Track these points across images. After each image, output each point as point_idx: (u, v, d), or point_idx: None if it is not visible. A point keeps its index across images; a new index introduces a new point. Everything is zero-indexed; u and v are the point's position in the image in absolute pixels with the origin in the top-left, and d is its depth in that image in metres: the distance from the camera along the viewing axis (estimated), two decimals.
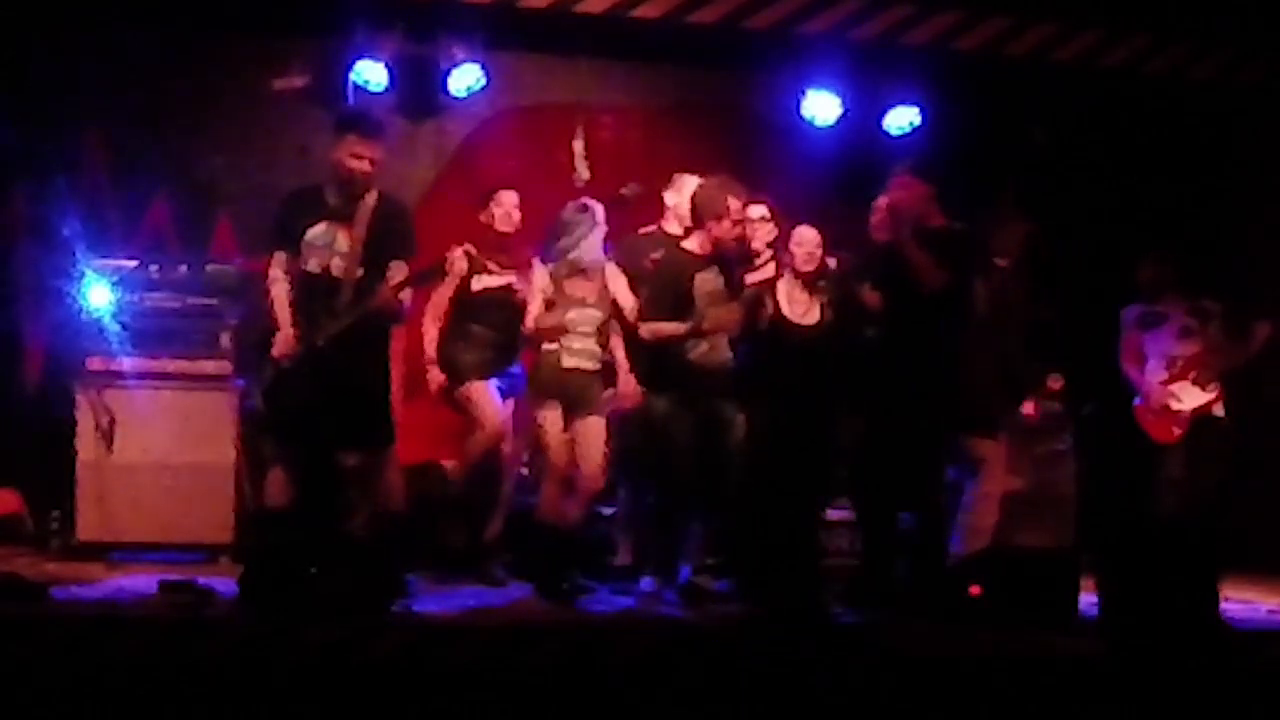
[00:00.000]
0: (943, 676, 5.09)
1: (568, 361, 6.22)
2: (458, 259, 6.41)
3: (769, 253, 6.57)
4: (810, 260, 6.31)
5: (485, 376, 6.47)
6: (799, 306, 6.36)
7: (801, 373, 6.28)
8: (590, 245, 6.30)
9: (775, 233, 6.54)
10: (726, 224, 6.19)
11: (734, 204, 6.20)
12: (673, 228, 6.61)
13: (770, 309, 6.31)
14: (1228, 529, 6.76)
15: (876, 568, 6.20)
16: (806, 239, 6.33)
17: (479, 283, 6.53)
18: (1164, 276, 7.19)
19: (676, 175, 6.75)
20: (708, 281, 6.21)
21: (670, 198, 6.72)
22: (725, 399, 6.24)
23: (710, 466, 6.17)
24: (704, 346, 6.20)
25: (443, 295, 6.53)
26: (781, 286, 6.39)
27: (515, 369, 6.64)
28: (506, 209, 6.60)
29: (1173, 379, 7.07)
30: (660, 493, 6.28)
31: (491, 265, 6.55)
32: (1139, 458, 7.10)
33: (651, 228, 6.76)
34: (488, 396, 6.43)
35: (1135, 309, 7.27)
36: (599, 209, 6.39)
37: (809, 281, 6.35)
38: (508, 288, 6.52)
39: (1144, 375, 7.17)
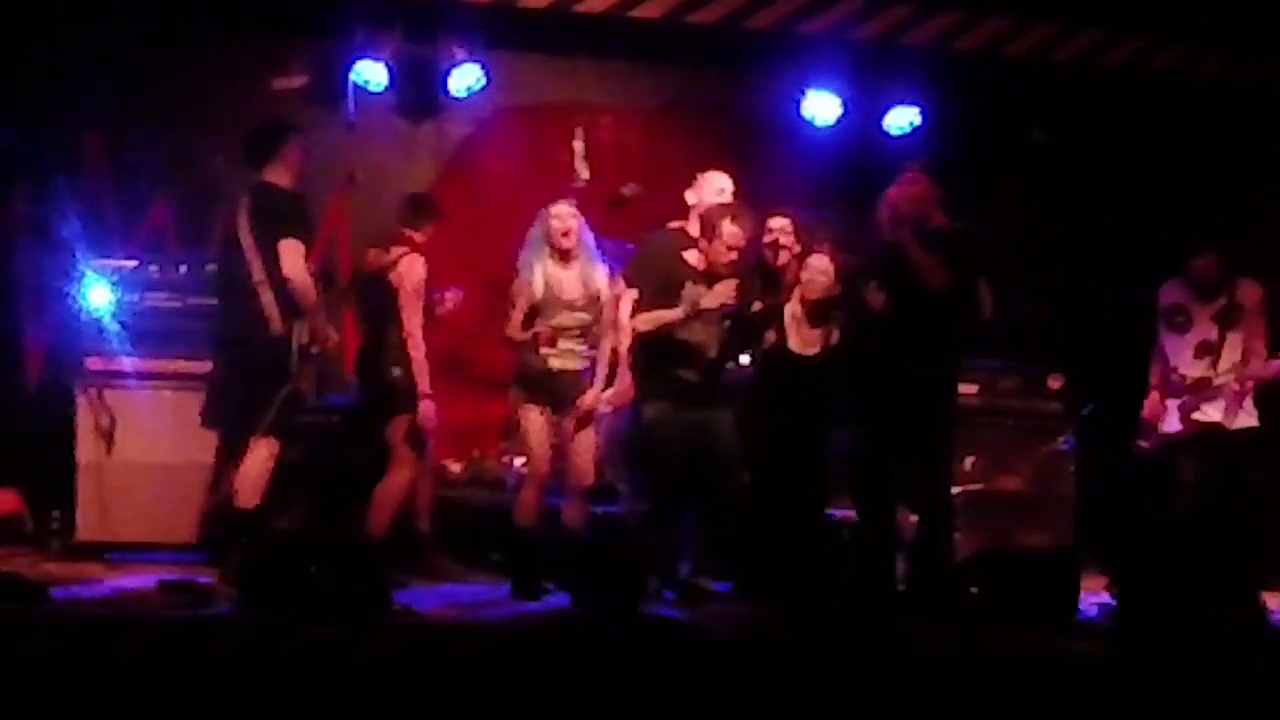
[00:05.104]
0: (943, 676, 5.08)
1: (555, 364, 6.22)
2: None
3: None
4: (818, 289, 6.37)
5: None
6: (803, 337, 6.40)
7: (796, 402, 6.38)
8: (539, 239, 6.23)
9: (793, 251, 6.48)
10: (719, 245, 6.15)
11: (729, 228, 6.14)
12: (694, 228, 6.38)
13: (774, 336, 6.38)
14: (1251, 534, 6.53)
15: (876, 568, 6.20)
16: (818, 267, 6.39)
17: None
18: (1219, 271, 6.68)
19: (699, 175, 6.53)
20: (698, 295, 6.16)
21: (691, 196, 6.50)
22: (716, 406, 6.25)
23: (703, 470, 6.19)
24: (696, 330, 6.16)
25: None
26: (789, 313, 6.45)
27: None
28: None
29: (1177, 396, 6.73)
30: (655, 495, 6.28)
31: None
32: (1139, 459, 7.04)
33: (678, 224, 6.51)
34: None
35: (1171, 291, 6.80)
36: (559, 208, 6.26)
37: (818, 310, 6.41)
38: None
39: (1158, 382, 6.82)
